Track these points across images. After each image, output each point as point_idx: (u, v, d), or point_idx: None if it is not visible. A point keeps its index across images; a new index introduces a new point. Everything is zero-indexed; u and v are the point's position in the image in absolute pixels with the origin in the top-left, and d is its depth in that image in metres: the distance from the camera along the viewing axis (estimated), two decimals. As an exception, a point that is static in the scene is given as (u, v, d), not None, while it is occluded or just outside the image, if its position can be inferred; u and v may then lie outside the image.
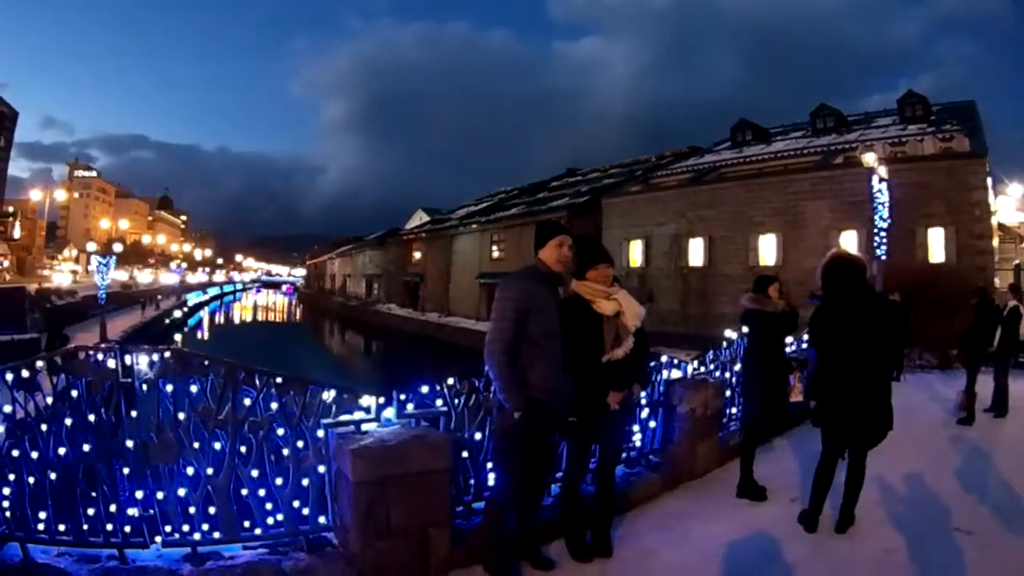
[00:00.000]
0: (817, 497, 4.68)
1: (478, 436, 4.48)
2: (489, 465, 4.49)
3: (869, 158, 19.07)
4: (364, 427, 3.92)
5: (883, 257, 17.87)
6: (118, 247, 45.66)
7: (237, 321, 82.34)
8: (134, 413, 3.85)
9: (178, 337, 46.96)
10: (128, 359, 3.90)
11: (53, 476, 3.68)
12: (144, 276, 70.40)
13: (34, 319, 27.26)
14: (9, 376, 3.82)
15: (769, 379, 5.76)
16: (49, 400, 3.84)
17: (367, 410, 4.03)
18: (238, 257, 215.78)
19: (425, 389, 4.43)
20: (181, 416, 3.78)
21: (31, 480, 3.67)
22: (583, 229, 32.67)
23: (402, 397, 4.26)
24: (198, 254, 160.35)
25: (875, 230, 18.67)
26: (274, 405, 3.91)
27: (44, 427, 3.71)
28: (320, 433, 3.94)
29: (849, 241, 23.66)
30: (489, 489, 4.39)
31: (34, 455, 3.67)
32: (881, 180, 18.46)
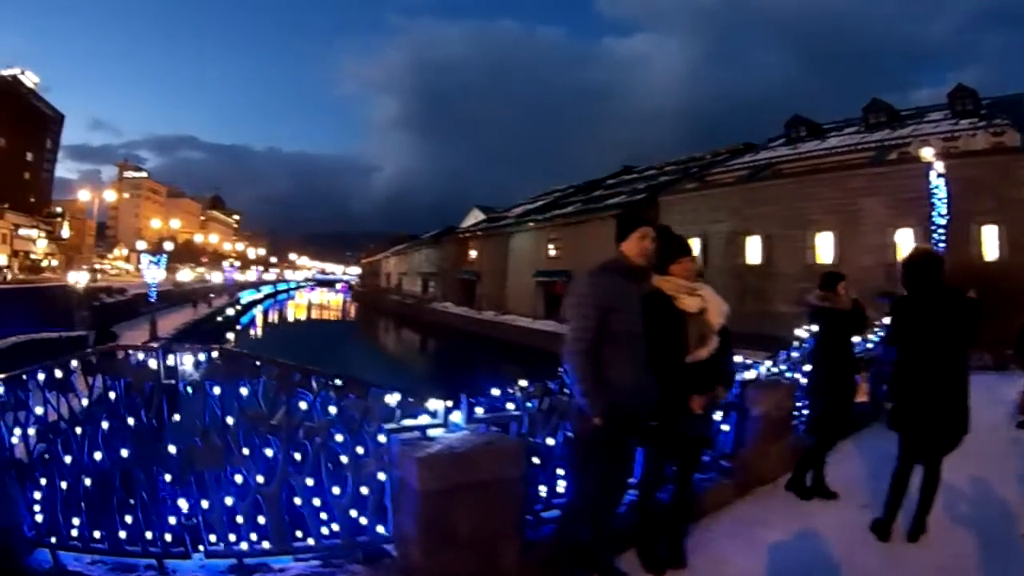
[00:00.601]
0: (892, 505, 4.54)
1: (550, 441, 4.30)
2: (560, 472, 4.32)
3: (927, 153, 19.06)
4: (431, 432, 3.67)
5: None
6: (169, 246, 46.51)
7: (291, 319, 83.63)
8: (177, 417, 3.77)
9: (230, 335, 47.82)
10: (171, 359, 3.79)
11: (88, 482, 3.61)
12: (190, 275, 71.95)
13: (82, 316, 27.74)
14: (41, 376, 3.73)
15: (837, 379, 5.65)
16: (85, 402, 3.76)
17: (433, 414, 3.80)
18: (292, 256, 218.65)
19: (496, 392, 4.28)
20: (229, 421, 3.66)
21: (64, 485, 3.60)
22: None
23: (471, 400, 4.02)
24: (251, 253, 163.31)
25: (933, 227, 18.69)
26: (332, 409, 3.75)
27: (79, 430, 3.64)
28: (382, 439, 3.72)
29: (905, 238, 23.72)
30: (560, 497, 4.26)
31: (67, 459, 3.59)
32: (939, 175, 18.45)
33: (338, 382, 3.82)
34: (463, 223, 76.88)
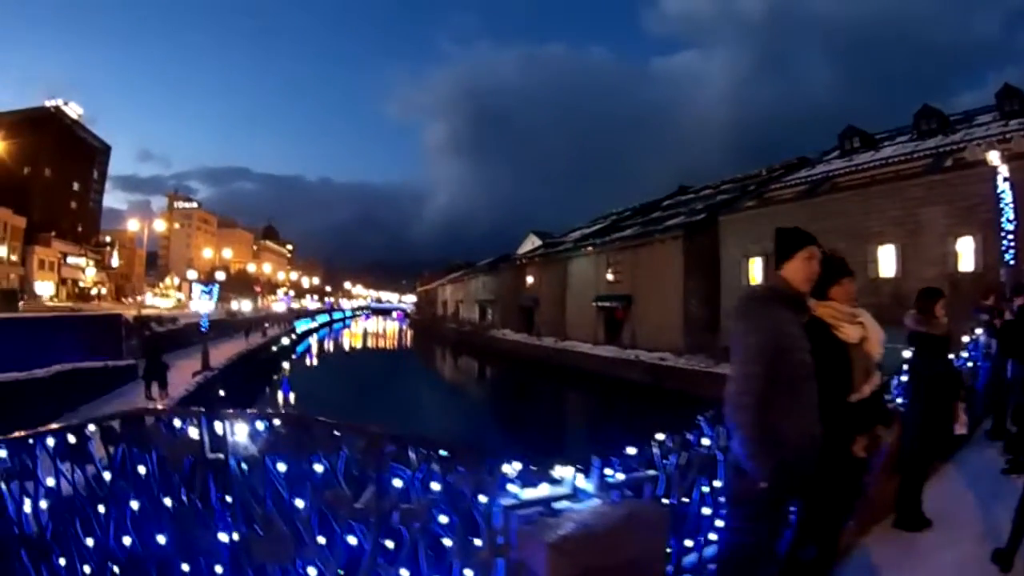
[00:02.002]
0: (1017, 534, 4.28)
1: (685, 500, 3.92)
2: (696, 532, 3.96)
3: (993, 157, 18.85)
4: (557, 505, 3.08)
5: (1011, 262, 17.69)
6: (221, 275, 45.69)
7: (347, 347, 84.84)
8: (228, 498, 3.30)
9: (286, 365, 48.60)
10: (219, 427, 3.33)
11: (116, 569, 3.38)
12: (246, 304, 73.70)
13: (131, 345, 27.93)
14: (51, 441, 3.52)
15: (934, 409, 5.38)
16: (107, 476, 3.44)
17: (558, 482, 3.22)
18: (347, 284, 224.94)
19: (633, 450, 3.73)
20: (299, 504, 3.15)
21: (87, 570, 3.42)
22: (701, 248, 34.08)
23: (602, 462, 3.35)
24: (305, 282, 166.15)
25: (1002, 233, 18.61)
26: (436, 486, 3.16)
27: (102, 509, 3.36)
28: (497, 517, 3.06)
29: (966, 247, 23.76)
30: (689, 554, 3.93)
31: (90, 542, 3.38)
32: (1005, 180, 18.39)
33: (444, 452, 3.23)
34: (519, 249, 78.02)
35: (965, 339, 8.81)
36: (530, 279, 58.98)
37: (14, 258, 74.03)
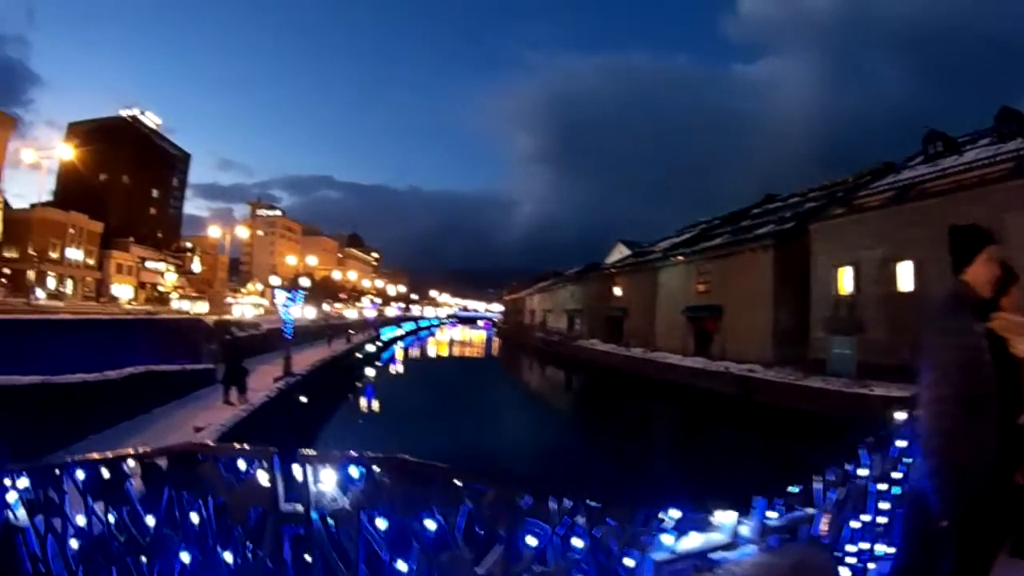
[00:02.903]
0: None
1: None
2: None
3: None
4: (715, 555, 2.90)
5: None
6: (305, 282, 45.88)
7: (433, 355, 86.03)
8: (308, 558, 2.86)
9: (370, 371, 49.21)
10: (299, 472, 2.85)
11: None
12: (331, 310, 74.97)
13: (210, 350, 28.08)
14: (80, 474, 3.21)
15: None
16: (150, 520, 3.05)
17: (717, 527, 3.04)
18: (432, 292, 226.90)
19: (795, 489, 3.62)
20: (403, 568, 2.74)
21: None
22: (791, 257, 34.18)
23: (762, 504, 3.25)
24: (391, 290, 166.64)
25: None
26: (578, 542, 2.77)
27: (144, 559, 3.02)
28: (647, 574, 2.79)
29: None
30: None
31: None
32: None
33: (592, 504, 2.86)
34: (607, 258, 78.98)
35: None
36: (618, 289, 59.21)
37: (90, 262, 78.82)
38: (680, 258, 49.37)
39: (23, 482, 3.44)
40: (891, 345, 27.69)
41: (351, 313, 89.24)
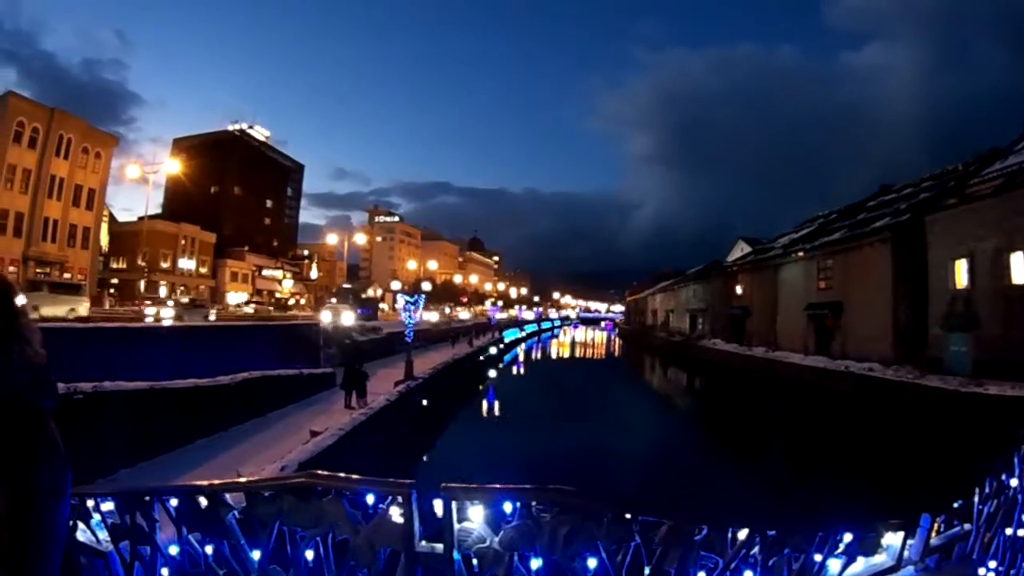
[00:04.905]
0: None
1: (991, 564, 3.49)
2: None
3: None
4: None
5: None
6: (427, 286, 48.06)
7: (554, 356, 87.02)
8: None
9: (492, 373, 50.30)
10: (439, 507, 2.75)
11: None
12: (441, 314, 74.65)
13: (329, 354, 29.29)
14: (174, 502, 3.09)
15: None
16: (256, 555, 2.98)
17: (884, 549, 3.10)
18: (555, 294, 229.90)
19: (956, 504, 3.66)
20: None
21: None
22: (908, 250, 33.58)
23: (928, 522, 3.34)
24: (513, 292, 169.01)
25: None
26: (749, 574, 2.78)
27: None
28: None
29: None
30: None
31: None
32: None
33: (771, 533, 2.83)
34: (728, 256, 78.92)
35: None
36: (739, 287, 58.90)
37: (204, 271, 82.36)
38: (800, 254, 49.03)
39: (108, 505, 3.26)
40: (1004, 341, 27.05)
41: (464, 315, 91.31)
